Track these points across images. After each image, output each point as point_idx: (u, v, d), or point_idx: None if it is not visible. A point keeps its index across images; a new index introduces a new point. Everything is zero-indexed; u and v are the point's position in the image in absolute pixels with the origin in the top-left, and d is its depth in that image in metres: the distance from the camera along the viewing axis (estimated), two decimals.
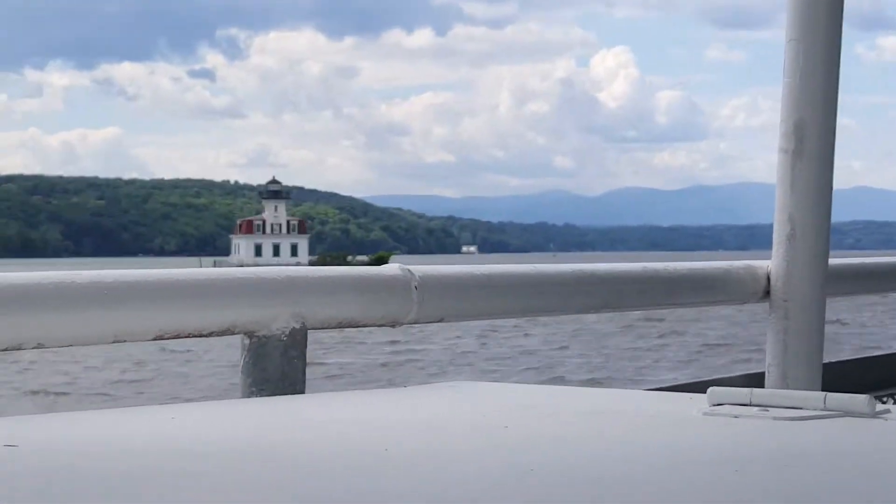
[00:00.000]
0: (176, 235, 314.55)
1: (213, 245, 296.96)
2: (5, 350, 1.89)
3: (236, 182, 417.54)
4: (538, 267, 2.82)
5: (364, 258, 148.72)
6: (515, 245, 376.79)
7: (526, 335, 31.67)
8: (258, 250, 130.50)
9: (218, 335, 2.16)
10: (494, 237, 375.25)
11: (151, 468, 1.38)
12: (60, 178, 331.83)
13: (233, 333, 2.19)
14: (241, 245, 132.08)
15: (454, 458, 1.52)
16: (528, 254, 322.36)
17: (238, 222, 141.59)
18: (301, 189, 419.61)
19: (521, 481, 1.34)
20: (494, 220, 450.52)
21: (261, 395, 2.21)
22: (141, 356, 25.02)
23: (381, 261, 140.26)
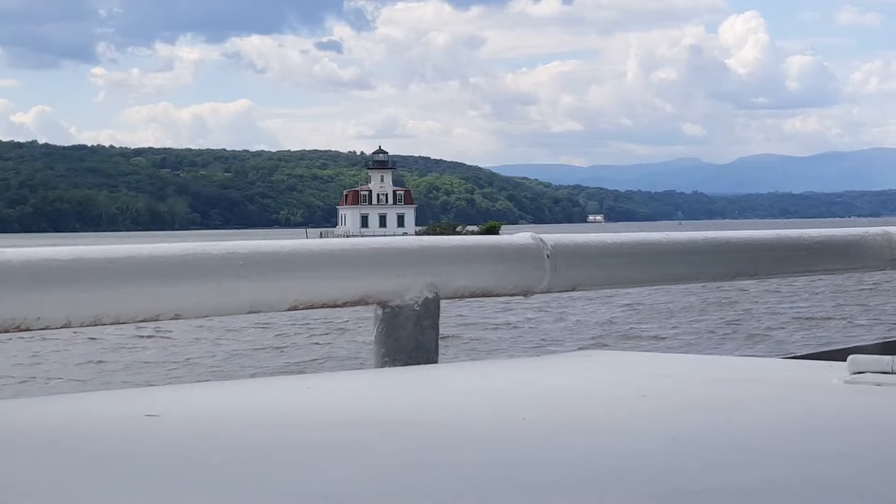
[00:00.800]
0: (302, 207, 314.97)
1: (337, 216, 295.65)
2: (143, 321, 1.89)
3: (362, 153, 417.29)
4: (670, 235, 2.74)
5: (474, 228, 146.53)
6: (642, 213, 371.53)
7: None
8: (364, 221, 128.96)
9: (351, 305, 2.13)
10: (621, 206, 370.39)
11: (288, 437, 1.39)
12: (189, 150, 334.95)
13: (366, 304, 2.15)
14: (348, 216, 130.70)
15: (593, 426, 1.49)
16: (655, 222, 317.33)
17: (344, 193, 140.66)
18: (427, 159, 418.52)
19: (664, 449, 1.32)
20: (622, 188, 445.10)
21: (394, 366, 2.16)
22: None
23: (491, 231, 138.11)
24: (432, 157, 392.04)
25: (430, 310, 2.19)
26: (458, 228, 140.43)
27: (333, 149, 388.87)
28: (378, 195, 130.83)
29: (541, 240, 2.40)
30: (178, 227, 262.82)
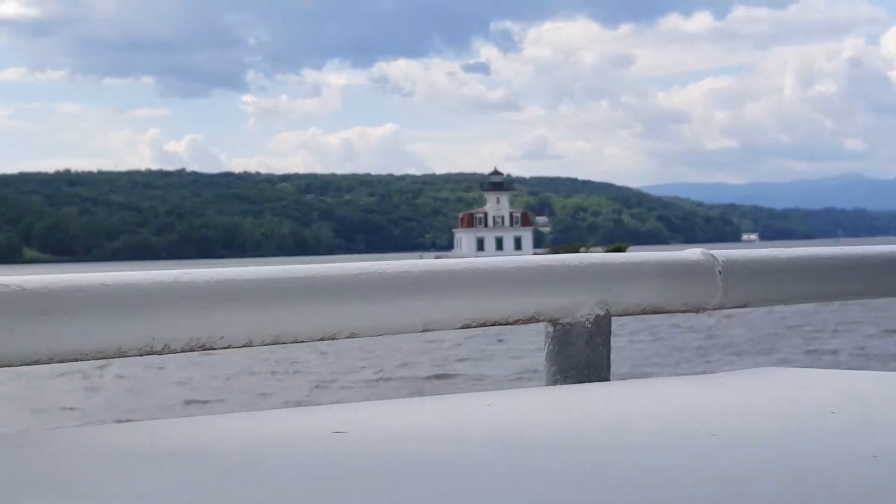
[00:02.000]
0: (445, 230, 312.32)
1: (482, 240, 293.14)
2: (321, 339, 1.94)
3: (508, 175, 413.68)
4: (844, 249, 2.69)
5: (599, 249, 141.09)
6: (800, 232, 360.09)
7: None
8: (480, 244, 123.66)
9: (523, 323, 2.16)
10: (777, 224, 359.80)
11: (470, 454, 1.42)
12: (333, 175, 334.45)
13: (537, 321, 2.18)
14: (463, 239, 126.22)
15: (786, 442, 1.47)
16: (812, 240, 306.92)
17: (460, 216, 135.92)
18: (574, 180, 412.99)
19: (864, 468, 1.29)
20: (779, 206, 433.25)
21: (565, 383, 2.19)
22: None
23: (618, 251, 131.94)
24: (580, 178, 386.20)
25: (601, 327, 2.21)
26: (582, 249, 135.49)
27: (482, 170, 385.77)
28: (494, 217, 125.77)
29: (712, 255, 2.39)
30: (322, 251, 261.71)
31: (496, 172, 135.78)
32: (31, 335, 1.63)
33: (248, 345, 1.87)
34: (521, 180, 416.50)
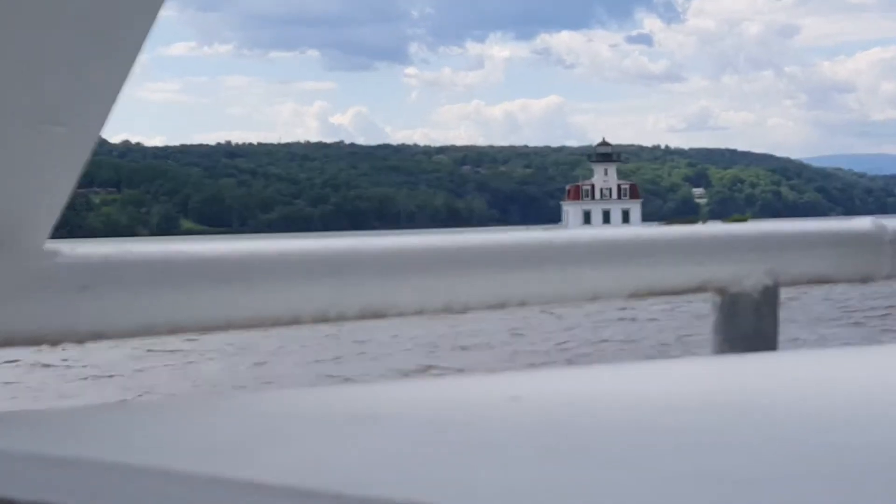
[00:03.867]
0: None
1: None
2: (490, 308, 1.92)
3: (666, 146, 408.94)
4: None
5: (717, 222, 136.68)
6: None
7: None
8: (587, 217, 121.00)
9: (690, 293, 2.14)
10: None
11: (638, 421, 1.43)
12: (491, 147, 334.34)
13: (704, 291, 2.15)
14: (570, 212, 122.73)
15: None
16: None
17: (567, 188, 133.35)
18: (733, 152, 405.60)
19: None
20: None
21: (733, 353, 2.16)
22: None
23: (738, 222, 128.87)
24: (739, 150, 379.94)
25: (769, 297, 2.16)
26: (700, 222, 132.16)
27: (645, 142, 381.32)
28: (602, 189, 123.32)
29: (882, 225, 2.33)
30: (475, 223, 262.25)
31: (604, 143, 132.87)
32: (211, 303, 1.65)
33: (420, 312, 1.85)
34: (680, 152, 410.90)
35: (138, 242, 1.65)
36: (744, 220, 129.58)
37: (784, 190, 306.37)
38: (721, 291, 2.14)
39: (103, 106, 1.40)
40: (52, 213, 1.52)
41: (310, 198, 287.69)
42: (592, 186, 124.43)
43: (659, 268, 2.07)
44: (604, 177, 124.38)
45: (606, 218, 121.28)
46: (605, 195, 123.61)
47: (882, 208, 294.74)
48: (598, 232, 2.07)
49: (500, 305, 1.93)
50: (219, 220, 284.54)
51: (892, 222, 2.34)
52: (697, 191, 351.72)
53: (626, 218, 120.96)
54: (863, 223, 2.34)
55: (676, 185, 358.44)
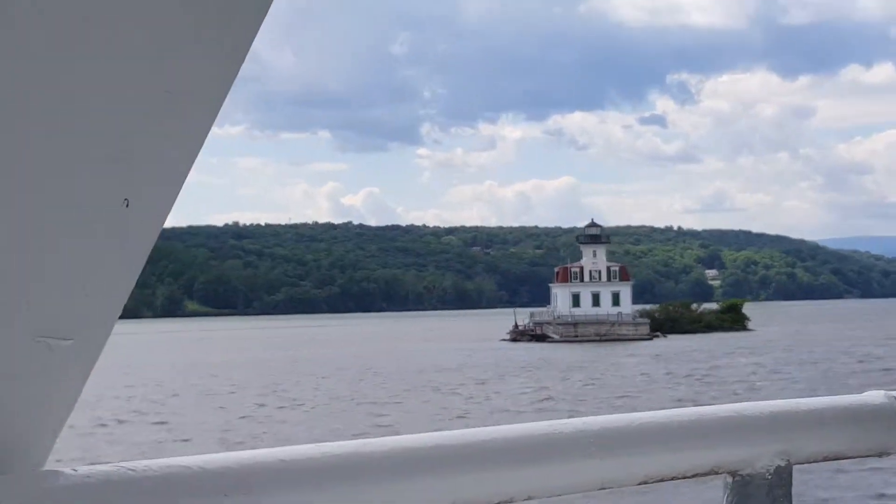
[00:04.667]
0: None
1: (650, 292, 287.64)
2: (499, 503, 1.93)
3: (679, 228, 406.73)
4: None
5: (713, 306, 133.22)
6: None
7: None
8: (576, 300, 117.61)
9: (701, 476, 2.13)
10: None
11: None
12: (500, 228, 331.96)
13: (717, 473, 2.15)
14: (559, 294, 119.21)
15: None
16: None
17: (556, 270, 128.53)
18: (747, 233, 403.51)
19: None
20: None
21: None
22: None
23: (732, 308, 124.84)
24: (753, 231, 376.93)
25: (782, 478, 2.17)
26: (693, 306, 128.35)
27: (660, 224, 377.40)
28: (591, 272, 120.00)
29: (895, 398, 2.34)
30: (484, 304, 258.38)
31: (593, 224, 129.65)
32: None
33: None
34: (694, 233, 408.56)
35: (138, 461, 1.64)
36: (738, 304, 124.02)
37: (799, 272, 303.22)
38: (733, 474, 2.14)
39: (111, 315, 1.39)
40: (54, 432, 1.51)
41: (316, 279, 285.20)
42: (581, 268, 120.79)
43: (670, 453, 2.07)
44: (592, 258, 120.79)
45: (596, 301, 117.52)
46: (595, 277, 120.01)
47: None
48: (606, 420, 2.04)
49: (508, 500, 1.93)
50: (224, 302, 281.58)
51: None
52: (711, 272, 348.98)
53: (616, 301, 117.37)
54: (875, 397, 2.32)
55: (689, 266, 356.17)
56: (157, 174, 1.30)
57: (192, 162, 1.32)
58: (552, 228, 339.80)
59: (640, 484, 2.05)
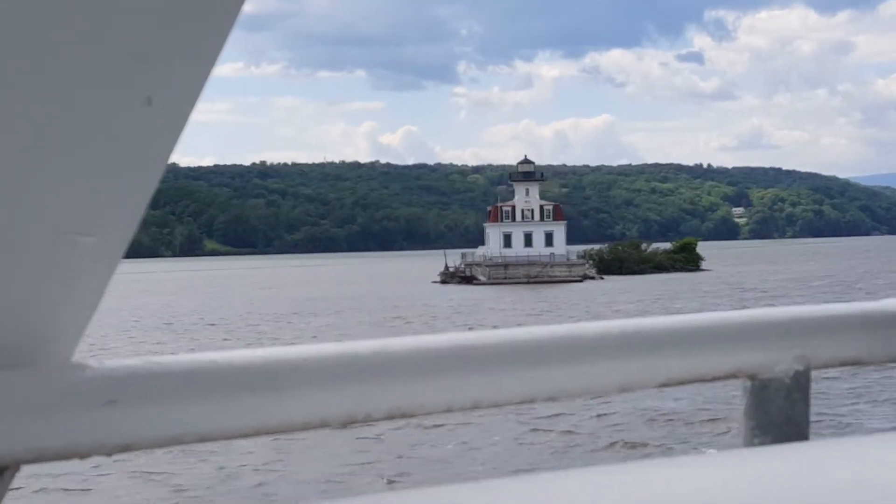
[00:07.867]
0: (637, 221, 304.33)
1: (675, 230, 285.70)
2: (519, 403, 1.95)
3: (709, 165, 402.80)
4: None
5: (667, 245, 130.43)
6: None
7: None
8: (507, 240, 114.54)
9: (721, 380, 2.15)
10: None
11: None
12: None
13: (736, 377, 2.17)
14: (491, 235, 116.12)
15: None
16: None
17: (488, 209, 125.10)
18: (777, 170, 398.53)
19: None
20: None
21: (763, 439, 2.18)
22: None
23: (686, 247, 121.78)
24: (784, 168, 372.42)
25: (800, 382, 2.19)
26: (643, 246, 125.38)
27: (696, 161, 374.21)
28: (523, 211, 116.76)
29: None
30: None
31: (526, 161, 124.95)
32: (240, 412, 1.68)
33: (448, 411, 1.90)
34: (723, 171, 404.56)
35: (164, 356, 1.68)
36: (693, 243, 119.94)
37: (826, 209, 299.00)
38: (752, 377, 2.17)
39: (133, 215, 1.41)
40: (80, 326, 1.54)
41: (337, 218, 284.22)
42: (513, 208, 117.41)
43: (690, 357, 2.09)
44: (525, 197, 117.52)
45: (528, 241, 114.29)
46: (528, 217, 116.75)
47: None
48: (627, 323, 2.06)
49: (530, 401, 1.95)
50: (243, 241, 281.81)
51: None
52: (737, 210, 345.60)
53: (549, 241, 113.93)
54: (893, 303, 2.33)
55: (716, 204, 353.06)
56: (179, 72, 1.30)
57: (217, 57, 1.32)
58: (580, 167, 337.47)
59: (660, 386, 2.07)
